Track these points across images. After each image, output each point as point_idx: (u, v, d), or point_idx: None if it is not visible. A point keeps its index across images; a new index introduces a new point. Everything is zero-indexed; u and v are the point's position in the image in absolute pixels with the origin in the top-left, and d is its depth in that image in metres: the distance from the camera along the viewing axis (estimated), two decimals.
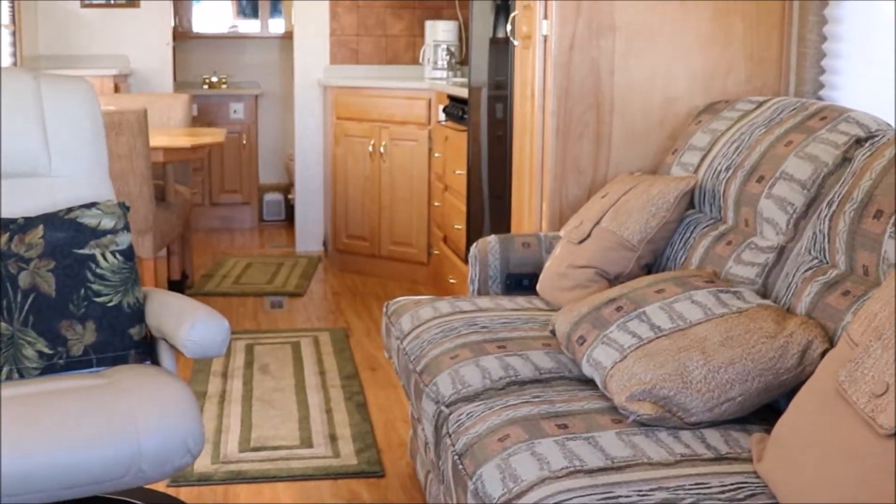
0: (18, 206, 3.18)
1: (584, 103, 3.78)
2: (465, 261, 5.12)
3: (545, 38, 3.77)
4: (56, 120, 3.30)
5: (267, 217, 9.10)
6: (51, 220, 3.05)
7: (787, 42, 3.90)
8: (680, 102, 3.87)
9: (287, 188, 9.04)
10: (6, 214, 3.12)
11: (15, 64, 6.72)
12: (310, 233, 7.81)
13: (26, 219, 3.07)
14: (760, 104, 3.42)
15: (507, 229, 4.30)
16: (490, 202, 5.01)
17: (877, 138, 2.79)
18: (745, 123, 3.33)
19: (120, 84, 7.22)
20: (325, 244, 7.66)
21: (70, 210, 3.09)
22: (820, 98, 3.75)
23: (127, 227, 3.10)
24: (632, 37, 3.79)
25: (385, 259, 6.84)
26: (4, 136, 3.19)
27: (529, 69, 3.89)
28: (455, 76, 7.07)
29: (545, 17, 3.76)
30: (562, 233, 3.49)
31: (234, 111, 8.80)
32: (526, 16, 3.91)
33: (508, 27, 4.10)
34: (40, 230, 3.03)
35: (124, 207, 3.13)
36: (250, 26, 9.63)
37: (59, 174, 3.29)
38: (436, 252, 6.33)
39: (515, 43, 4.06)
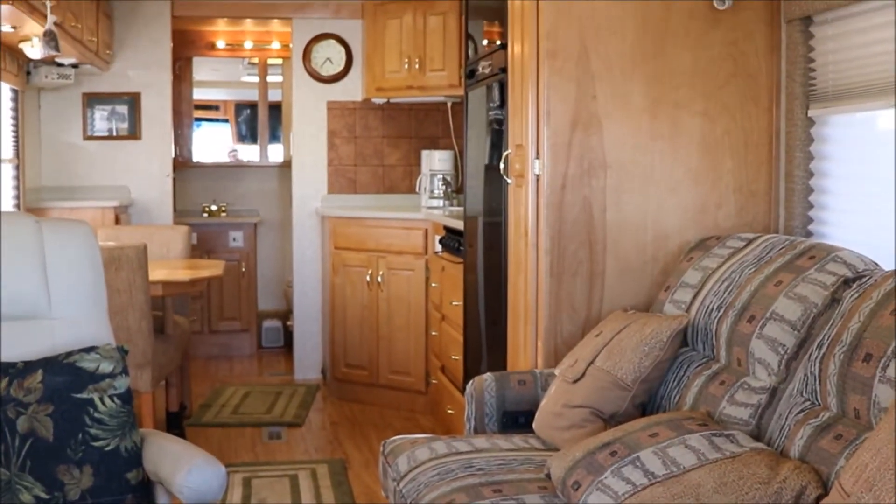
0: (18, 349, 3.21)
1: (577, 241, 3.84)
2: (463, 391, 5.14)
3: (537, 178, 3.85)
4: (57, 263, 3.34)
5: (266, 344, 9.12)
6: (50, 365, 3.08)
7: (776, 176, 3.98)
8: (672, 238, 3.93)
9: (286, 314, 9.08)
10: (6, 358, 3.15)
11: (18, 196, 6.81)
12: (308, 360, 7.83)
13: (26, 363, 3.09)
14: (750, 241, 3.47)
15: (504, 357, 4.33)
16: (487, 329, 5.04)
17: (864, 279, 2.83)
18: (735, 261, 3.38)
19: (120, 215, 7.31)
20: (323, 372, 7.67)
21: (69, 354, 3.11)
22: (810, 233, 3.81)
23: (125, 371, 3.12)
24: (623, 174, 3.87)
25: (383, 388, 6.85)
26: (6, 279, 3.23)
27: (523, 207, 3.96)
28: (451, 204, 7.17)
29: (537, 156, 3.85)
30: (557, 371, 3.51)
31: (234, 239, 8.89)
32: (518, 155, 3.99)
33: (501, 165, 4.19)
34: (39, 375, 3.05)
35: (122, 351, 3.16)
36: (249, 151, 9.79)
37: (59, 317, 3.32)
38: (434, 381, 6.34)
39: (509, 181, 4.14)
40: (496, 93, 4.34)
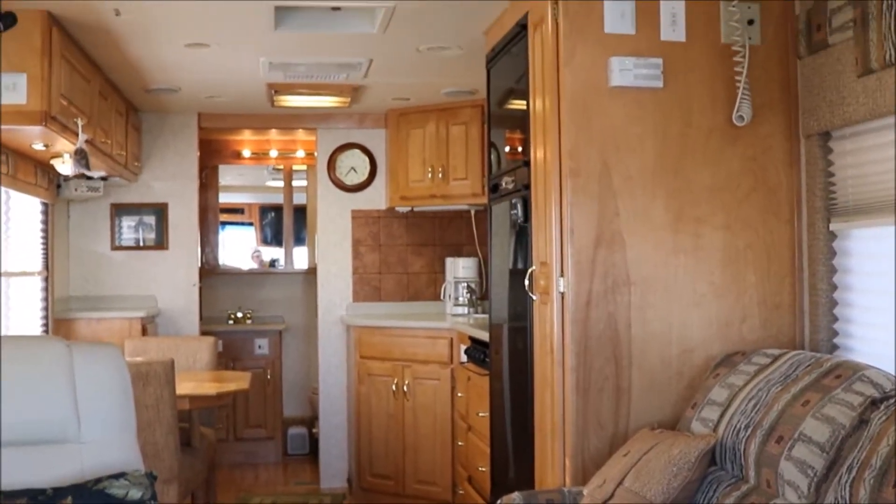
0: (47, 474, 3.22)
1: (603, 357, 3.85)
2: (490, 503, 5.10)
3: (562, 295, 3.88)
4: (87, 388, 3.37)
5: (291, 451, 9.09)
6: (79, 492, 3.09)
7: (800, 289, 4.00)
8: (697, 352, 3.94)
9: (311, 421, 9.07)
10: (35, 483, 3.16)
11: (46, 308, 6.88)
12: (334, 468, 7.80)
13: (55, 489, 3.10)
14: (776, 358, 3.47)
15: (532, 468, 4.30)
16: (514, 440, 5.01)
17: (891, 399, 2.83)
18: (761, 379, 3.38)
19: (147, 325, 7.36)
20: (349, 481, 7.63)
21: (98, 481, 3.13)
22: (835, 346, 3.81)
23: (154, 497, 3.13)
24: (647, 290, 3.90)
25: (410, 497, 6.81)
26: (37, 404, 3.26)
27: (548, 324, 3.98)
28: (476, 312, 7.20)
29: (561, 274, 3.88)
30: (585, 491, 3.50)
31: (259, 346, 8.92)
32: (543, 272, 4.03)
33: (526, 282, 4.22)
34: (69, 501, 3.06)
35: (151, 477, 3.17)
36: (273, 252, 9.88)
37: (89, 441, 3.34)
38: (461, 492, 6.30)
39: (534, 297, 4.16)
40: (519, 208, 4.39)
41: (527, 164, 4.25)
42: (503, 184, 4.71)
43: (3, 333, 5.93)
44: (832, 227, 3.83)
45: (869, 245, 3.68)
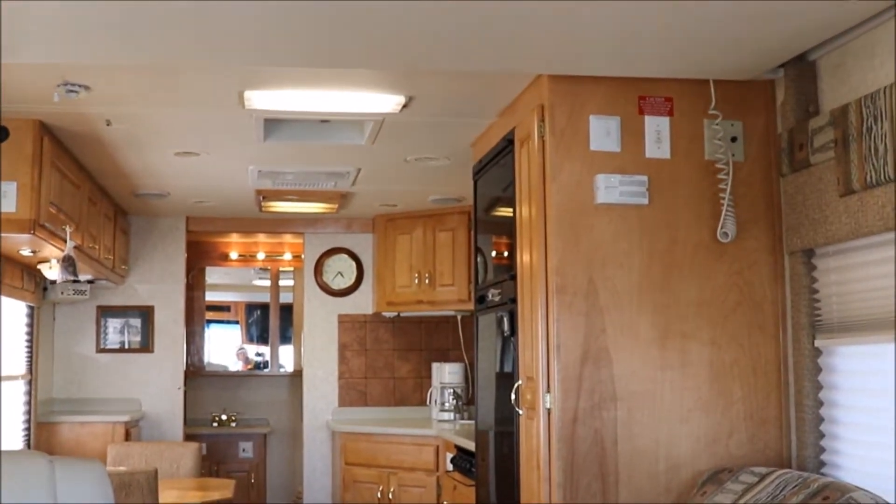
0: None
1: (590, 474, 3.83)
2: None
3: (549, 411, 3.87)
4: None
5: None
6: None
7: (786, 405, 4.00)
8: (684, 468, 3.92)
9: None
10: None
11: (29, 411, 6.82)
12: None
13: None
14: (763, 477, 3.46)
15: None
16: None
17: None
18: (749, 499, 3.36)
19: (131, 429, 7.30)
20: None
21: None
22: (822, 463, 3.80)
23: None
24: (634, 406, 3.89)
25: None
26: None
27: (534, 439, 3.97)
28: (462, 417, 7.17)
29: (548, 390, 3.87)
30: None
31: (244, 450, 8.85)
32: (529, 387, 4.02)
33: (513, 396, 4.21)
34: None
35: None
36: (260, 350, 9.85)
37: None
38: None
39: (520, 412, 4.15)
40: (506, 322, 4.40)
41: (513, 277, 4.27)
42: (490, 296, 4.72)
43: None
44: (817, 343, 3.84)
45: (855, 362, 3.69)
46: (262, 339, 10.01)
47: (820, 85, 3.80)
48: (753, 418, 4.00)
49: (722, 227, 3.96)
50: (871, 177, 3.32)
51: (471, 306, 6.75)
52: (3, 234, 4.82)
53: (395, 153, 5.51)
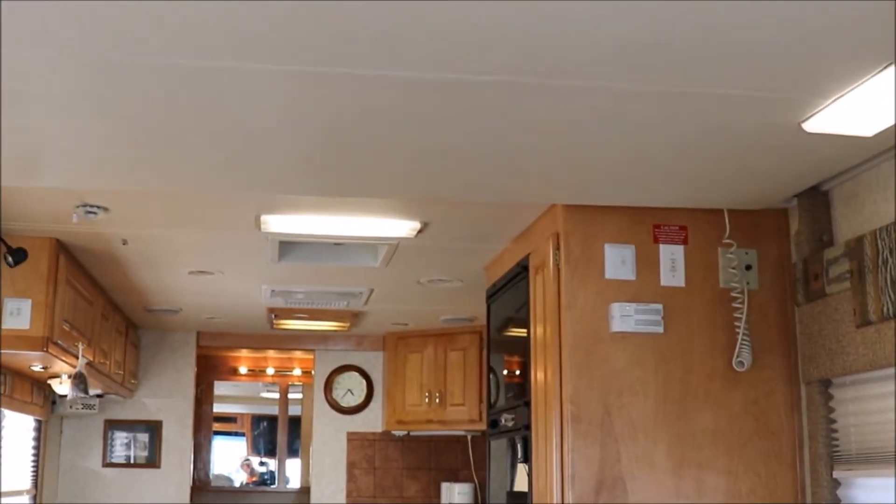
0: None
1: None
2: None
3: None
4: None
5: None
6: None
7: None
8: None
9: None
10: None
11: None
12: None
13: None
14: None
15: None
16: None
17: None
18: None
19: None
20: None
21: None
22: None
23: None
24: None
25: None
26: None
27: None
28: None
29: None
30: None
31: None
32: None
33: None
34: None
35: None
36: (264, 460, 9.76)
37: None
38: None
39: None
40: (519, 448, 4.37)
41: (527, 404, 4.25)
42: (503, 420, 4.69)
43: None
44: (836, 474, 3.79)
45: (874, 495, 3.63)
46: (269, 450, 9.93)
47: (833, 214, 3.82)
48: None
49: (737, 357, 3.95)
50: (887, 308, 3.31)
51: (481, 426, 6.71)
52: (15, 351, 4.82)
53: (409, 275, 5.53)
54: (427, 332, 7.33)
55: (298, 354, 9.04)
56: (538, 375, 4.13)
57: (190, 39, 2.36)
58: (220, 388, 9.74)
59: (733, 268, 4.02)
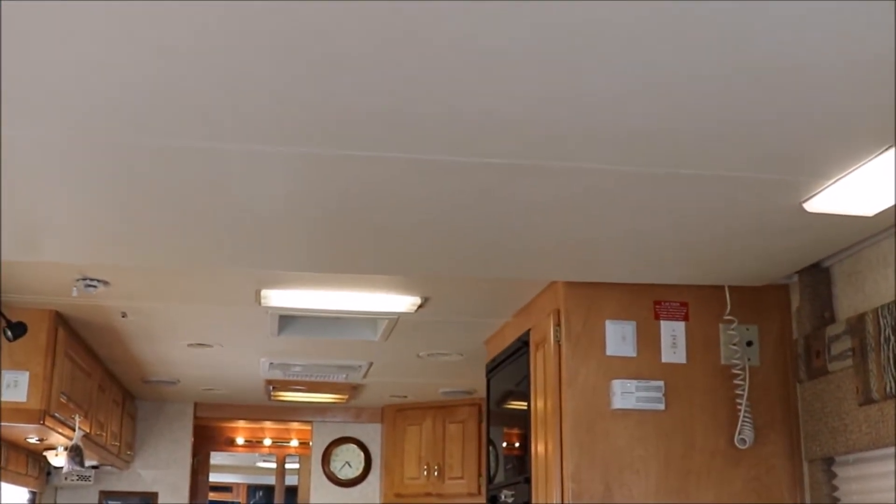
0: None
1: None
2: None
3: None
4: None
5: None
6: None
7: None
8: None
9: None
10: None
11: None
12: None
13: None
14: None
15: None
16: None
17: None
18: None
19: None
20: None
21: None
22: None
23: None
24: None
25: None
26: None
27: None
28: None
29: None
30: None
31: None
32: None
33: None
34: None
35: None
36: None
37: None
38: None
39: None
40: None
41: (527, 480, 4.21)
42: (503, 496, 4.65)
43: None
44: None
45: None
46: None
47: (835, 291, 3.82)
48: None
49: (739, 434, 3.92)
50: (890, 387, 3.30)
51: (480, 500, 6.65)
52: (12, 424, 4.79)
53: (408, 349, 5.53)
54: (426, 404, 7.29)
55: (296, 426, 8.99)
56: (539, 450, 4.11)
57: (193, 121, 2.37)
58: (217, 457, 9.67)
59: (734, 344, 4.01)
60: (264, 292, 4.30)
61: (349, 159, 2.62)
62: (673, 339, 4.00)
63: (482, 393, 5.64)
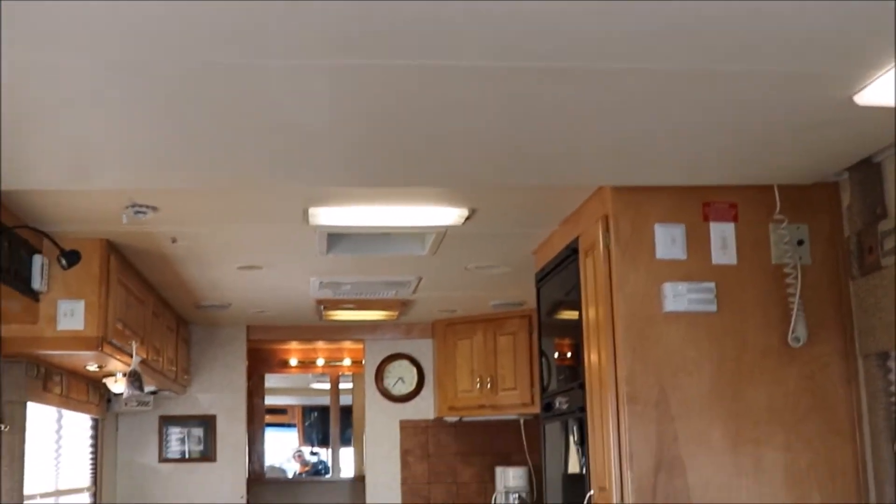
0: None
1: None
2: None
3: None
4: None
5: None
6: None
7: None
8: None
9: None
10: None
11: None
12: None
13: None
14: None
15: None
16: None
17: None
18: None
19: None
20: None
21: None
22: None
23: None
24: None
25: None
26: None
27: None
28: None
29: (622, 499, 3.81)
30: None
31: None
32: (602, 497, 3.97)
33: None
34: None
35: None
36: (315, 450, 9.81)
37: None
38: None
39: None
40: (575, 431, 4.36)
41: (581, 386, 4.24)
42: (557, 403, 4.69)
43: None
44: None
45: None
46: (321, 441, 9.99)
47: (886, 186, 3.77)
48: None
49: (793, 332, 3.92)
50: None
51: (533, 410, 6.71)
52: (71, 352, 4.88)
53: (457, 262, 5.54)
54: (476, 317, 7.33)
55: (348, 345, 9.07)
56: (592, 358, 4.13)
57: (235, 38, 2.38)
58: (271, 380, 9.80)
59: (785, 243, 3.99)
60: (312, 210, 4.32)
61: (391, 69, 2.61)
62: (723, 240, 3.98)
63: (532, 304, 5.64)
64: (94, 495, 6.88)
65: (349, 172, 3.69)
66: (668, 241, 3.94)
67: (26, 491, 5.01)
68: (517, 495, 7.24)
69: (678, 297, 3.88)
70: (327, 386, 9.84)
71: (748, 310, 3.96)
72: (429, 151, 3.41)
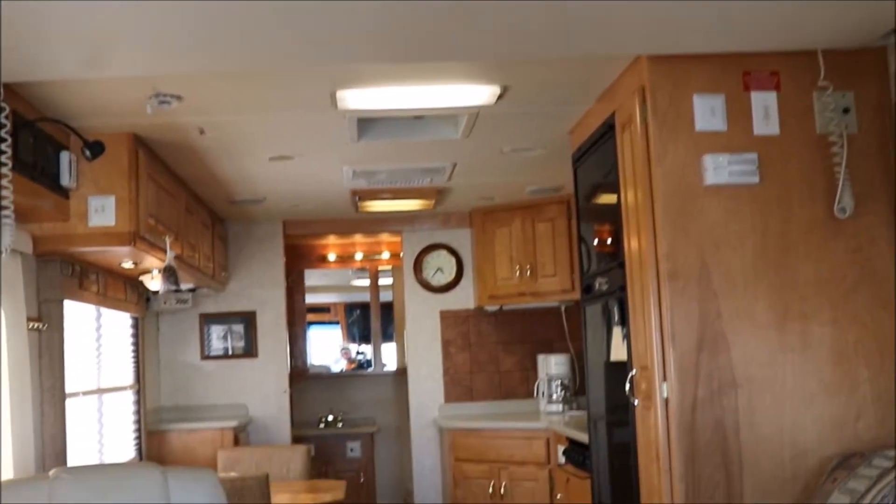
0: None
1: (712, 464, 3.70)
2: None
3: (666, 401, 3.74)
4: None
5: None
6: None
7: None
8: (811, 454, 3.76)
9: None
10: None
11: (139, 420, 6.87)
12: None
13: None
14: None
15: None
16: None
17: None
18: (885, 484, 3.20)
19: (239, 434, 7.32)
20: None
21: None
22: None
23: None
24: (754, 392, 3.75)
25: None
26: None
27: (652, 431, 3.84)
28: (571, 408, 7.06)
29: (664, 378, 3.75)
30: None
31: (351, 450, 8.83)
32: (644, 376, 3.90)
33: (627, 386, 4.09)
34: None
35: None
36: (361, 349, 9.86)
37: None
38: None
39: (635, 402, 4.03)
40: (616, 311, 4.28)
41: (621, 265, 4.15)
42: (597, 285, 4.61)
43: (100, 451, 5.93)
44: None
45: None
46: (363, 338, 10.02)
47: None
48: (882, 400, 3.82)
49: (839, 203, 3.79)
50: None
51: (574, 296, 6.65)
52: (104, 248, 4.84)
53: (491, 145, 5.42)
54: (513, 205, 7.24)
55: (385, 237, 9.02)
56: (631, 235, 4.03)
57: None
58: (311, 277, 9.78)
59: (830, 111, 3.84)
60: (340, 93, 4.21)
61: None
62: (765, 110, 3.84)
63: (569, 189, 5.54)
64: (138, 392, 6.93)
65: (376, 47, 3.57)
66: (708, 112, 3.81)
67: (68, 389, 5.03)
68: (559, 382, 7.22)
69: (719, 169, 3.76)
70: (368, 282, 9.83)
71: (792, 181, 3.83)
72: (456, 22, 3.28)
